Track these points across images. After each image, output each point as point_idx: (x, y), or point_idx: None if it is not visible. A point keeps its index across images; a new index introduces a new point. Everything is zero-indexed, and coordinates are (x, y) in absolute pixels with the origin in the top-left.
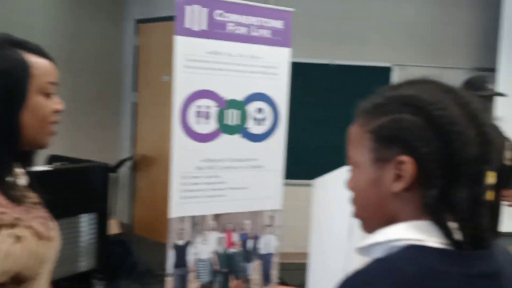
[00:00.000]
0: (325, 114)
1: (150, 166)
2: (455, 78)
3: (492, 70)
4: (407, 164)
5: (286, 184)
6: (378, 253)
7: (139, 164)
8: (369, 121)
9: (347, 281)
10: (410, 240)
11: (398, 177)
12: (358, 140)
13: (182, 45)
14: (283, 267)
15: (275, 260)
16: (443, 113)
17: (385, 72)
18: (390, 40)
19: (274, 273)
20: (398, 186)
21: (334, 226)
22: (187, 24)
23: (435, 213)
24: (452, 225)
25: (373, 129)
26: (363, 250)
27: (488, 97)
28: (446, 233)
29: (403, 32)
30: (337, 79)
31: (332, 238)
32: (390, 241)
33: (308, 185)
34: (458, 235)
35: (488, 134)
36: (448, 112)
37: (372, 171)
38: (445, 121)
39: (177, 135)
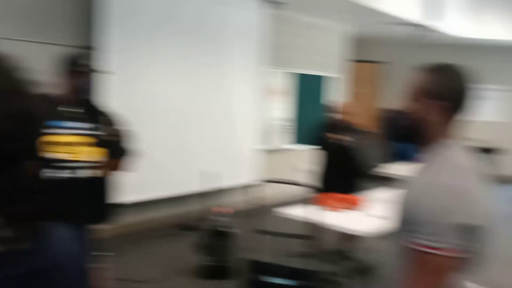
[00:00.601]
0: None
1: None
2: (58, 54)
3: (94, 48)
4: None
5: None
6: None
7: None
8: None
9: None
10: None
11: None
12: None
13: None
14: None
15: None
16: None
17: None
18: None
19: None
20: None
21: None
22: None
23: None
24: None
25: None
26: None
27: (84, 73)
28: None
29: (5, 3)
30: None
31: None
32: None
33: None
34: (5, 231)
35: (28, 109)
36: None
37: None
38: None
39: None
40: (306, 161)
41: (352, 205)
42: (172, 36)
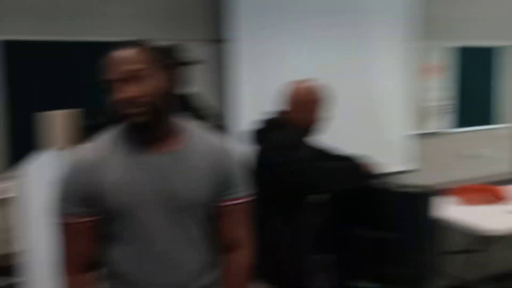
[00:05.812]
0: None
1: None
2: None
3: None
4: None
5: None
6: None
7: None
8: None
9: None
10: None
11: None
12: None
13: None
14: None
15: None
16: None
17: None
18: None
19: None
20: None
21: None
22: None
23: None
24: None
25: None
26: None
27: (185, 64)
28: None
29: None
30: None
31: (47, 231)
32: None
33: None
34: None
35: None
36: None
37: None
38: None
39: None
40: (472, 146)
41: (495, 199)
42: (306, 13)
